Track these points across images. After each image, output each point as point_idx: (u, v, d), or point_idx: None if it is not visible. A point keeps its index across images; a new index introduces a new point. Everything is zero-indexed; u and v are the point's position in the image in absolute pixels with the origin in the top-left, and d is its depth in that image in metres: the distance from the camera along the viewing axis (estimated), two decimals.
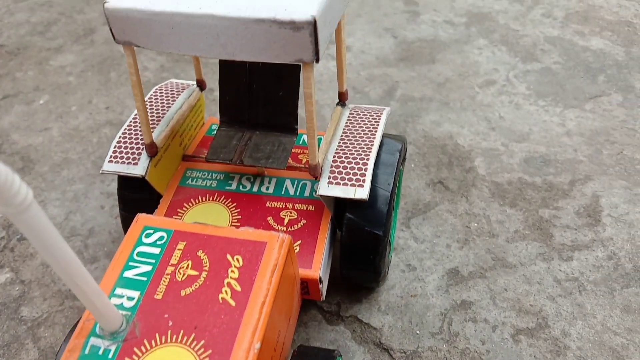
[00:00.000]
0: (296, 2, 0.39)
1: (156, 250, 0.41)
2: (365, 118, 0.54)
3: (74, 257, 0.29)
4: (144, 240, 0.42)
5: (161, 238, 0.42)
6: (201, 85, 0.60)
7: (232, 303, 0.38)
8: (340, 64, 0.52)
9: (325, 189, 0.47)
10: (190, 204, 0.53)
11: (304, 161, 0.57)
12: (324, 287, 0.49)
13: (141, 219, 0.44)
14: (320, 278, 0.47)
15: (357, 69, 0.91)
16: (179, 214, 0.52)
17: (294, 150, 0.58)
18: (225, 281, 0.39)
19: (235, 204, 0.53)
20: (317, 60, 0.40)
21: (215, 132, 0.61)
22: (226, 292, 0.38)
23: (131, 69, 0.45)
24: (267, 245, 0.41)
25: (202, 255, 0.40)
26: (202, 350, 0.35)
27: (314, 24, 0.38)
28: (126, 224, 0.55)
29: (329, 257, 0.52)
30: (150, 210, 0.53)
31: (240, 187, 0.54)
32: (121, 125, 0.82)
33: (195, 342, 0.36)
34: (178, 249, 0.41)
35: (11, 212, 0.25)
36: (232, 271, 0.39)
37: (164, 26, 0.41)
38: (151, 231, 0.43)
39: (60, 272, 0.29)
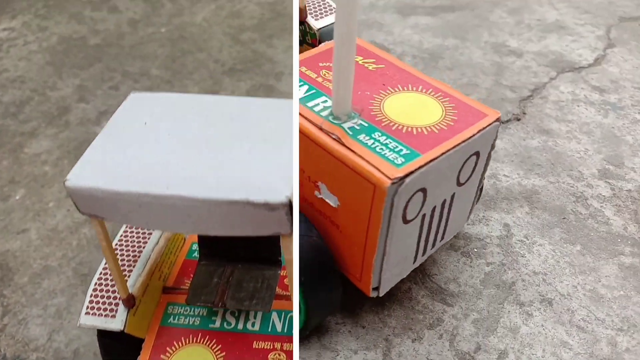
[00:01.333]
0: (269, 178, 0.37)
1: None
2: None
3: None
4: None
5: None
6: None
7: None
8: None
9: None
10: (173, 348, 0.51)
11: None
12: None
13: None
14: None
15: None
16: None
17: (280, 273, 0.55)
18: None
19: (220, 346, 0.50)
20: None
21: (196, 253, 0.59)
22: None
23: (100, 235, 0.42)
24: None
25: None
26: None
27: (289, 205, 0.36)
28: None
29: None
30: (133, 356, 0.51)
31: (225, 325, 0.52)
32: None
33: None
34: None
35: None
36: None
37: (131, 204, 0.38)
38: None
39: None
